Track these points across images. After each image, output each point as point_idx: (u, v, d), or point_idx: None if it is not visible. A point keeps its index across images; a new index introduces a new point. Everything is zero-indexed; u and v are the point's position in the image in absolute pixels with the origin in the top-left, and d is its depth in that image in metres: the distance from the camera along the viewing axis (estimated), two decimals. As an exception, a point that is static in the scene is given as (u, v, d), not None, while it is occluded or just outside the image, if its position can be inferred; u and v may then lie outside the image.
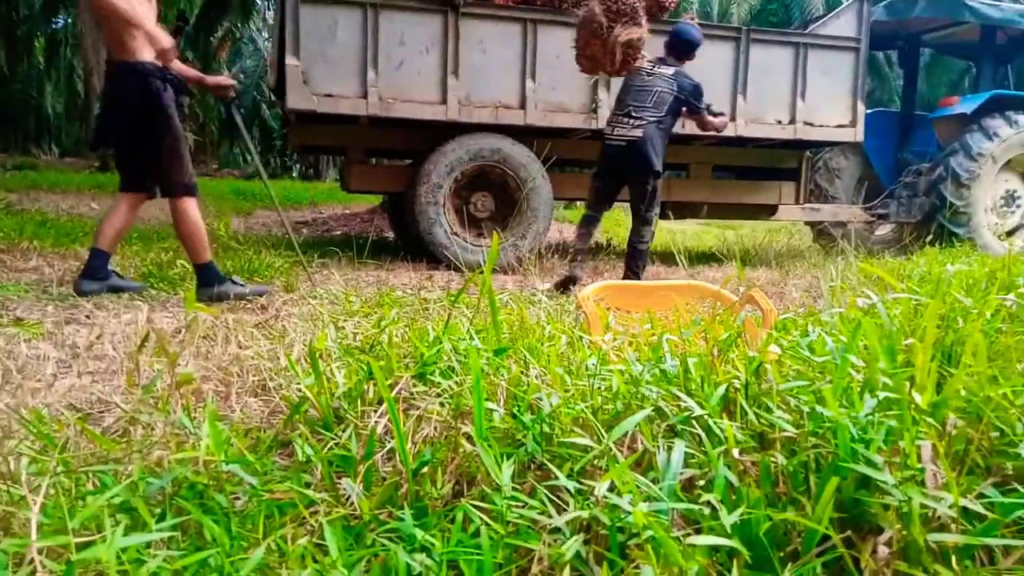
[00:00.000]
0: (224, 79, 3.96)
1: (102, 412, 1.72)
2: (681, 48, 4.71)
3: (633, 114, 4.48)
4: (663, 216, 7.95)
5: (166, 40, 3.17)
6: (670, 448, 1.02)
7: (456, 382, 1.25)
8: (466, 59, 5.80)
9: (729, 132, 6.41)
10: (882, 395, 0.98)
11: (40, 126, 27.13)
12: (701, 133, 6.36)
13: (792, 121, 6.56)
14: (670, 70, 4.62)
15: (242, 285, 3.46)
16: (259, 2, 21.75)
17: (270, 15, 22.11)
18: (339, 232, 9.21)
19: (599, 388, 1.21)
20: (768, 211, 7.35)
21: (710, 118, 4.84)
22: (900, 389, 0.94)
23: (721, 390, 1.10)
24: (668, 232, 9.46)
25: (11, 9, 21.05)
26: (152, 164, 3.37)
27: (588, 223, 4.86)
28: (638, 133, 4.44)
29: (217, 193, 11.87)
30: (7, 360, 2.09)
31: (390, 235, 8.50)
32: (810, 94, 6.55)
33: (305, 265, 4.09)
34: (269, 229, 9.79)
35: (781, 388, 1.13)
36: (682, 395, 1.09)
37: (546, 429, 1.13)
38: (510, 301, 2.62)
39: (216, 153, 25.95)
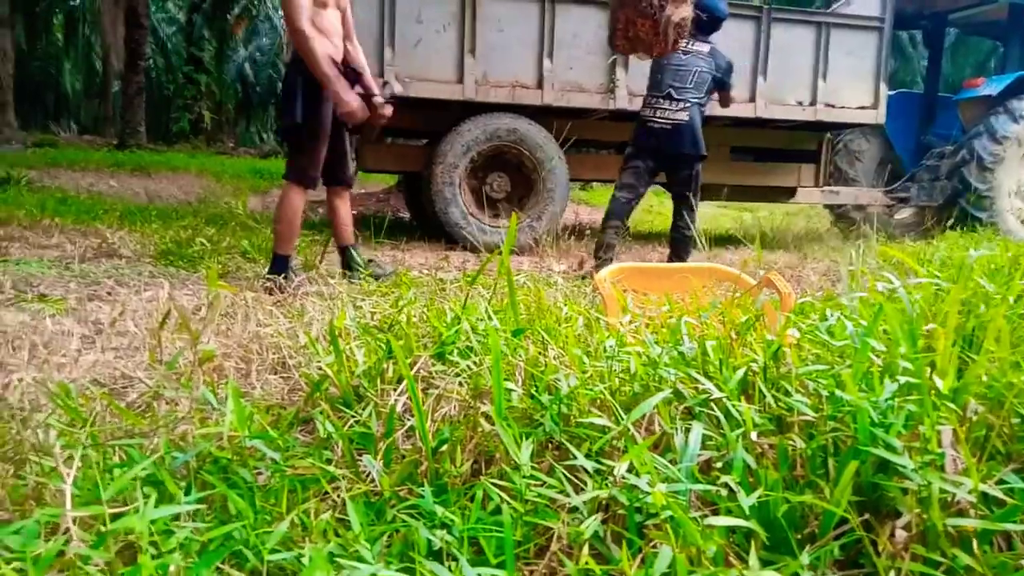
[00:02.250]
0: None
1: (125, 387, 1.75)
2: (710, 23, 4.52)
3: (675, 96, 4.31)
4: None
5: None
6: (688, 430, 1.02)
7: (475, 362, 1.26)
8: (483, 38, 5.76)
9: (748, 113, 6.34)
10: (902, 380, 0.98)
11: (59, 103, 27.30)
12: (721, 113, 6.32)
13: (813, 102, 6.47)
14: (706, 47, 4.45)
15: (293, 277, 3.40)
16: (275, -21, 21.64)
17: (286, -7, 21.98)
18: (355, 212, 9.21)
19: (617, 370, 1.22)
20: (787, 194, 7.28)
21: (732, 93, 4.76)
22: (921, 374, 0.94)
23: (740, 373, 1.10)
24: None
25: (30, -14, 21.13)
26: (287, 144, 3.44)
27: (623, 214, 4.55)
28: (684, 116, 4.29)
29: (235, 171, 11.93)
30: (33, 335, 2.13)
31: (406, 215, 8.51)
32: (832, 75, 6.45)
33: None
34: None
35: (800, 372, 1.13)
36: (700, 377, 1.10)
37: (564, 410, 1.14)
38: (527, 282, 2.63)
39: (233, 132, 26.02)
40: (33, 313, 2.42)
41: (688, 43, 4.38)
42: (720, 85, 4.54)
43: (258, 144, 25.72)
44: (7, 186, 7.64)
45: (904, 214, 8.40)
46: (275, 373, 1.84)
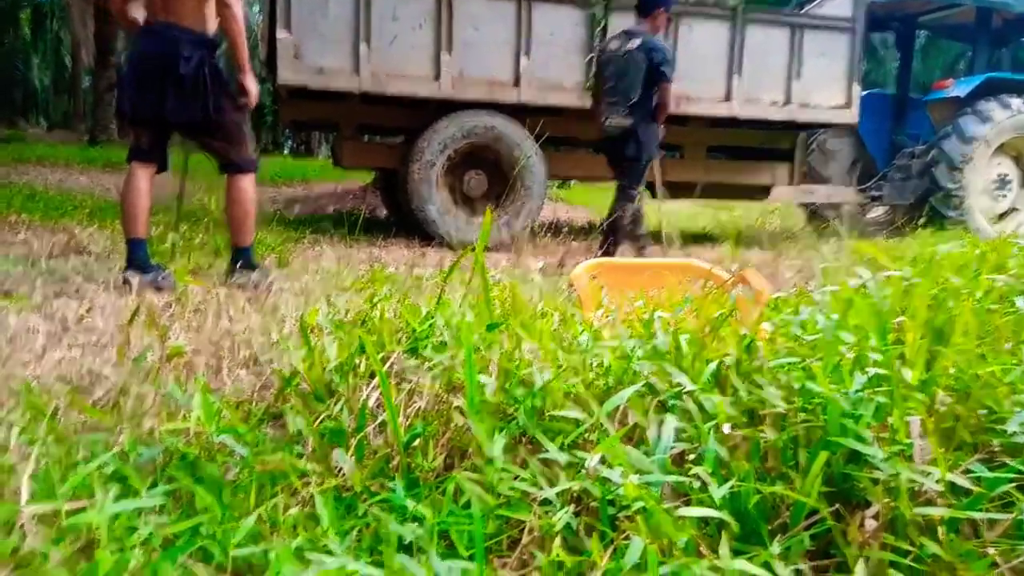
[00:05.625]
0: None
1: (92, 384, 1.71)
2: (648, 6, 4.49)
3: (621, 102, 4.45)
4: (655, 196, 7.98)
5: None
6: (661, 423, 1.02)
7: (449, 357, 1.25)
8: (460, 35, 5.75)
9: (724, 112, 6.39)
10: (872, 372, 0.99)
11: (27, 99, 26.74)
12: (695, 113, 6.35)
13: (787, 102, 6.54)
14: (637, 41, 4.41)
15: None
16: (250, -26, 21.34)
17: (261, -12, 21.70)
18: (332, 209, 9.14)
19: (591, 364, 1.21)
20: (762, 192, 7.36)
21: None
22: (890, 366, 0.95)
23: (712, 366, 1.10)
24: (662, 212, 9.43)
25: (-4, -21, 20.67)
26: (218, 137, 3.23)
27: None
28: (628, 121, 4.47)
29: (207, 167, 11.76)
30: (-5, 333, 2.08)
31: (382, 212, 8.46)
32: (805, 75, 6.53)
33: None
34: (260, 205, 9.73)
35: (772, 364, 1.13)
36: (673, 371, 1.10)
37: (537, 404, 1.13)
38: (503, 278, 2.62)
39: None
40: (-4, 310, 2.37)
41: (626, 42, 4.44)
42: (659, 76, 4.43)
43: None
44: (-28, 182, 7.50)
45: (876, 212, 8.52)
46: (246, 369, 1.82)
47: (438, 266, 4.80)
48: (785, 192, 7.37)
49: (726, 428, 1.01)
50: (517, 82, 5.94)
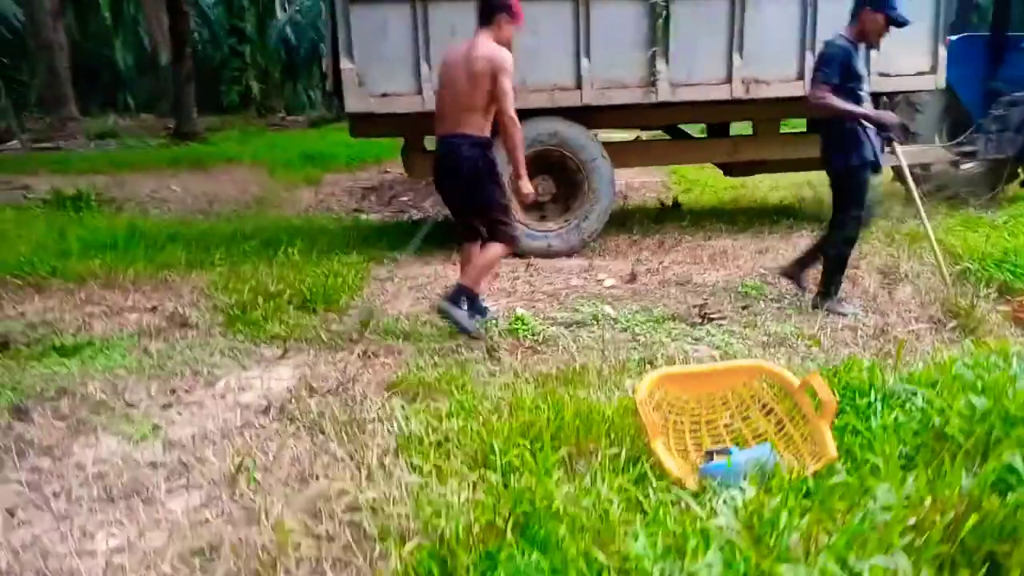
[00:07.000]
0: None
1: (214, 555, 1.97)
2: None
3: None
4: (729, 173, 7.77)
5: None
6: None
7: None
8: (518, 43, 5.67)
9: (796, 92, 6.09)
10: None
11: (115, 82, 27.92)
12: (765, 96, 6.10)
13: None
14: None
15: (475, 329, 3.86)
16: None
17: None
18: (412, 207, 9.26)
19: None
20: (842, 162, 7.02)
21: None
22: None
23: None
24: (735, 188, 9.17)
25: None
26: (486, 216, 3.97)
27: None
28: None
29: (286, 160, 12.14)
30: (123, 476, 2.39)
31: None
32: (884, 41, 6.09)
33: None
34: (339, 199, 10.00)
35: None
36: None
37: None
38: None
39: (281, 97, 26.24)
40: (124, 441, 2.68)
41: None
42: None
43: (306, 108, 25.92)
44: (79, 205, 8.04)
45: (970, 168, 7.98)
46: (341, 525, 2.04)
47: (512, 289, 4.91)
48: (869, 159, 7.00)
49: None
50: (579, 84, 5.86)
